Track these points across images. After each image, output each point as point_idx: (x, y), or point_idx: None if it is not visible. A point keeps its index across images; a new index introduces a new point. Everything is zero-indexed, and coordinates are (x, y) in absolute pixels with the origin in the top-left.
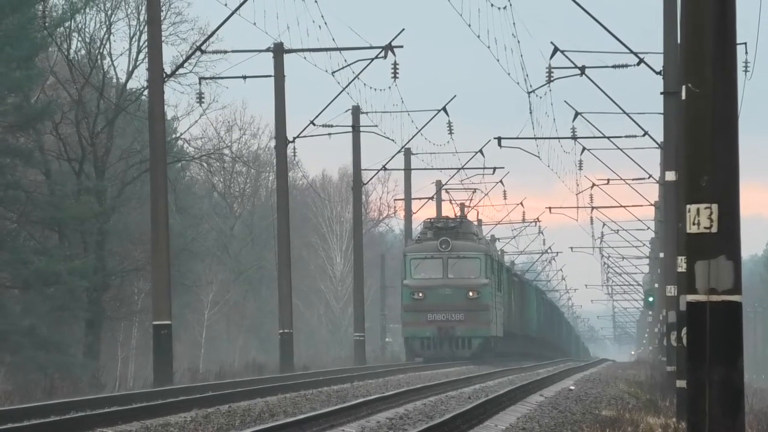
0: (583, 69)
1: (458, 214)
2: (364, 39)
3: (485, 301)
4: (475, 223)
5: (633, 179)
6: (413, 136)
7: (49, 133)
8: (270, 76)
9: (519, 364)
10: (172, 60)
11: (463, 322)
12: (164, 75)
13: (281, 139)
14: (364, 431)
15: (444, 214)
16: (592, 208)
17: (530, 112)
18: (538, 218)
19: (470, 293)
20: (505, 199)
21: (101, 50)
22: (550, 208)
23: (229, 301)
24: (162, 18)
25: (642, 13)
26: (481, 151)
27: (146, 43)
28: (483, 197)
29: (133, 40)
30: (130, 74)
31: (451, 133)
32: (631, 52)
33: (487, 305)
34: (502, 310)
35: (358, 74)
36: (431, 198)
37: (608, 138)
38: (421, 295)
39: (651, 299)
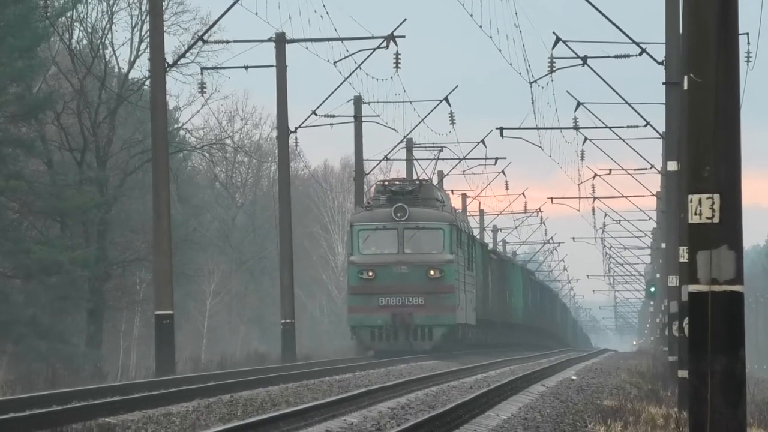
0: (585, 59)
1: (419, 174)
2: (366, 29)
3: (449, 282)
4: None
5: (635, 169)
6: (415, 126)
7: (50, 123)
8: (272, 66)
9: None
10: (174, 50)
11: (423, 308)
12: (166, 65)
13: (283, 129)
14: (366, 421)
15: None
16: (594, 198)
17: (532, 103)
18: (539, 209)
19: (431, 272)
20: (507, 189)
21: (103, 40)
22: (551, 198)
23: (230, 291)
24: (164, 8)
25: (644, 3)
26: (483, 141)
27: (148, 33)
28: (485, 187)
29: (135, 29)
30: (131, 64)
31: (453, 123)
32: (633, 42)
33: (451, 287)
34: (473, 293)
35: (360, 64)
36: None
37: (610, 128)
38: (371, 274)
39: (653, 289)
